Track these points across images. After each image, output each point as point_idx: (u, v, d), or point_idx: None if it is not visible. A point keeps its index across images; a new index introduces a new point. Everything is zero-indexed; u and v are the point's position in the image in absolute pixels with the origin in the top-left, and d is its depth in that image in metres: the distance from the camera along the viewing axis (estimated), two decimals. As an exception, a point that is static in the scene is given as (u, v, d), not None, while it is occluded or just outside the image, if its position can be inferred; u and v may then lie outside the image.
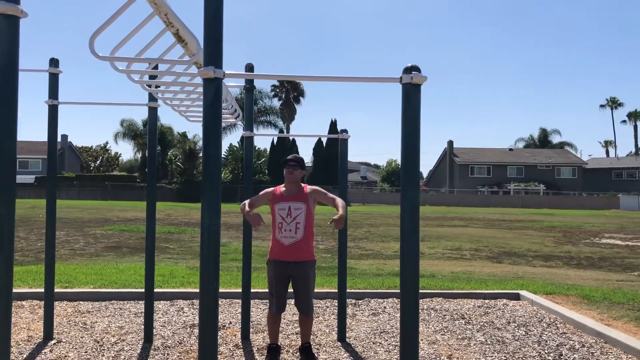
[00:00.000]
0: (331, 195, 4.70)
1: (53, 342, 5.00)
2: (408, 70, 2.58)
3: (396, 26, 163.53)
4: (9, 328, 2.39)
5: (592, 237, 19.74)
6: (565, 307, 6.71)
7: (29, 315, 5.94)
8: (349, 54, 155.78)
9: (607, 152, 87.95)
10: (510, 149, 69.53)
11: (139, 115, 61.98)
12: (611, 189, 62.07)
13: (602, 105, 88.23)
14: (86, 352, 4.74)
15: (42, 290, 5.39)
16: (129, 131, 58.95)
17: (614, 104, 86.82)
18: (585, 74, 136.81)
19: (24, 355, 4.61)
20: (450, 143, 66.43)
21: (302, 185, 4.71)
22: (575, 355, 4.93)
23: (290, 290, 4.66)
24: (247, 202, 4.54)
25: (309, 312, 4.67)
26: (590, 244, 17.26)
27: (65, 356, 4.62)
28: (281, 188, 4.72)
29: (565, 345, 5.21)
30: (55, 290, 5.55)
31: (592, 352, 5.00)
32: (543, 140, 75.34)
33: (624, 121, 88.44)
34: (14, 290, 5.37)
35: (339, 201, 4.51)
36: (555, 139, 75.71)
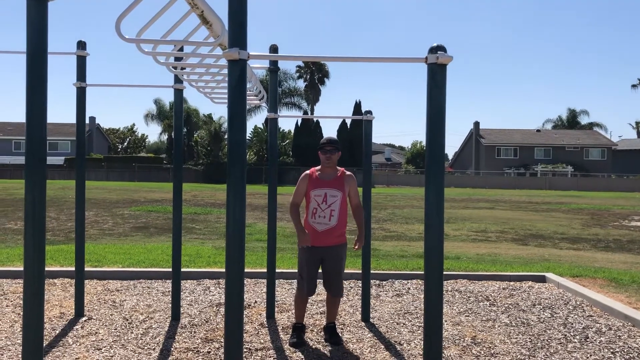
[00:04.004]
0: (358, 198, 4.69)
1: (84, 318, 5.14)
2: (434, 50, 2.55)
3: (424, 4, 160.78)
4: (42, 305, 2.46)
5: (621, 219, 19.38)
6: (592, 290, 6.63)
7: (61, 293, 6.11)
8: (374, 32, 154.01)
9: (639, 134, 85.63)
10: (538, 130, 68.27)
11: (165, 98, 62.58)
12: (642, 171, 60.69)
13: (633, 85, 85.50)
14: (116, 329, 4.87)
15: (73, 268, 5.52)
16: (159, 112, 59.66)
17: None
18: (616, 53, 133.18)
19: (57, 331, 4.75)
20: (477, 124, 65.53)
21: (339, 169, 4.64)
22: (601, 338, 4.88)
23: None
24: (294, 203, 4.57)
25: (339, 293, 4.68)
26: (619, 226, 16.96)
27: (96, 332, 4.75)
28: (317, 172, 4.63)
29: (591, 328, 5.16)
30: (86, 269, 5.68)
31: (619, 335, 4.95)
32: (571, 121, 73.66)
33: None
34: (47, 269, 5.51)
35: (359, 219, 4.64)
36: (583, 120, 73.98)
